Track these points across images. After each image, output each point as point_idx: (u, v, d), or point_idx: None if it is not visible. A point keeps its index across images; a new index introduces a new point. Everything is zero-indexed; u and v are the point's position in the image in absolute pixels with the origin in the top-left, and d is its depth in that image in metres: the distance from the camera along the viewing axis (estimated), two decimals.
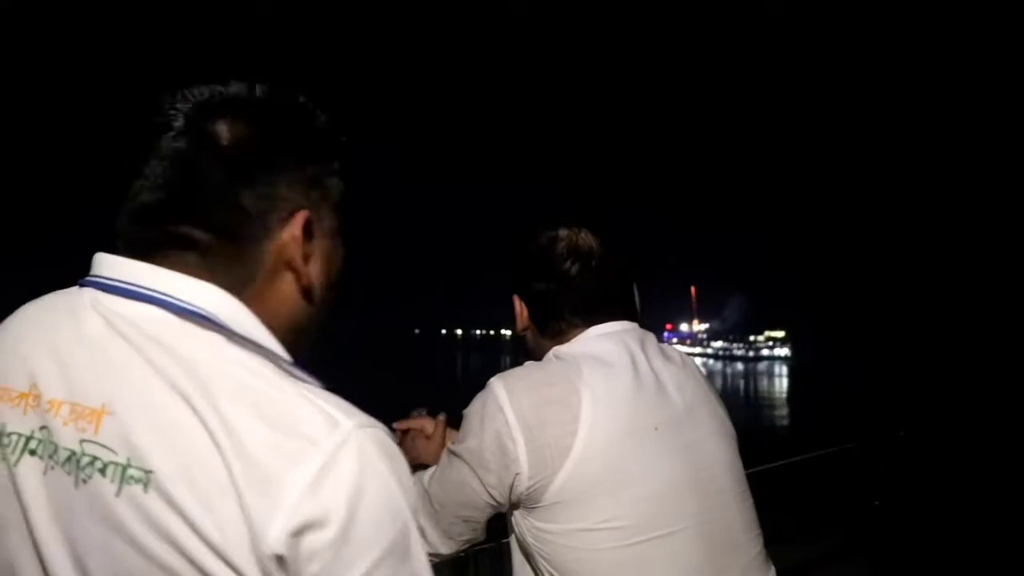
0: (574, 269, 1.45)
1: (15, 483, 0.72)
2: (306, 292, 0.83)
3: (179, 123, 0.78)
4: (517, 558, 1.40)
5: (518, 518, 1.35)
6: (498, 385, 1.35)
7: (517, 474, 1.29)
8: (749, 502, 1.43)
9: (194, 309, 0.74)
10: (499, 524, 1.43)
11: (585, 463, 1.27)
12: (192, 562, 0.65)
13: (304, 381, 0.75)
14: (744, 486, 1.44)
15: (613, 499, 1.28)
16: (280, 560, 0.65)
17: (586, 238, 1.48)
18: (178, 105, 0.79)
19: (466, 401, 1.42)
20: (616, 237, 1.52)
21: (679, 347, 1.75)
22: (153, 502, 0.66)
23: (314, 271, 0.84)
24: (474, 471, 1.33)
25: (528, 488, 1.29)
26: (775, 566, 1.46)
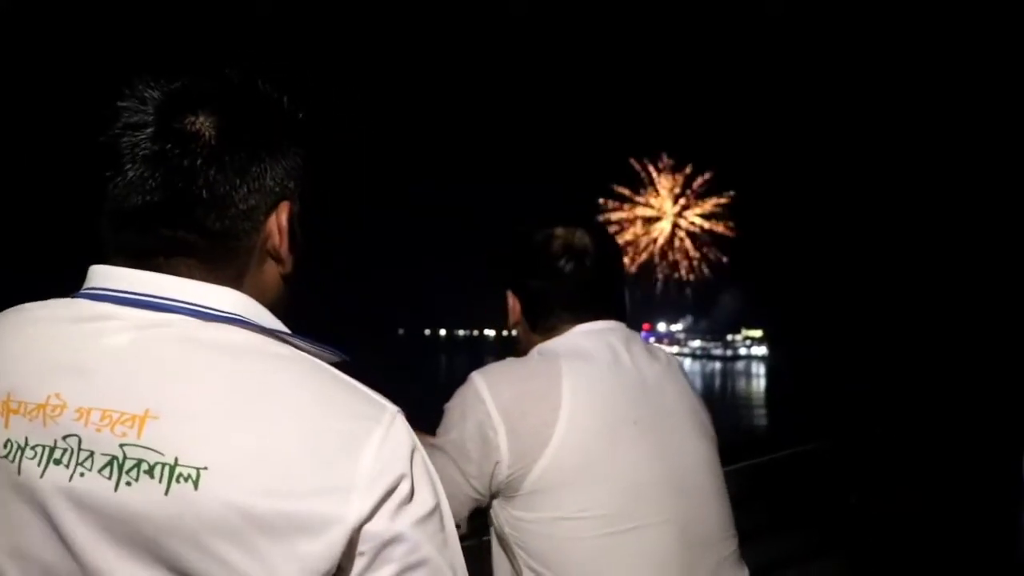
0: (568, 267, 1.47)
1: (42, 497, 0.70)
2: (285, 277, 0.86)
3: (152, 119, 0.75)
4: (495, 552, 1.42)
5: (496, 509, 1.37)
6: (478, 378, 1.38)
7: (497, 462, 1.31)
8: (725, 501, 1.46)
9: (221, 314, 0.76)
10: (479, 523, 1.45)
11: (564, 452, 1.30)
12: (248, 551, 0.67)
13: (334, 361, 0.80)
14: (721, 485, 1.46)
15: (590, 489, 1.30)
16: (359, 532, 0.69)
17: (582, 237, 1.49)
18: (145, 97, 0.76)
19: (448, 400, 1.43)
20: (610, 238, 1.55)
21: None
22: (204, 498, 0.67)
23: (292, 257, 0.86)
24: (455, 462, 1.35)
25: (508, 476, 1.32)
26: (750, 563, 1.48)
